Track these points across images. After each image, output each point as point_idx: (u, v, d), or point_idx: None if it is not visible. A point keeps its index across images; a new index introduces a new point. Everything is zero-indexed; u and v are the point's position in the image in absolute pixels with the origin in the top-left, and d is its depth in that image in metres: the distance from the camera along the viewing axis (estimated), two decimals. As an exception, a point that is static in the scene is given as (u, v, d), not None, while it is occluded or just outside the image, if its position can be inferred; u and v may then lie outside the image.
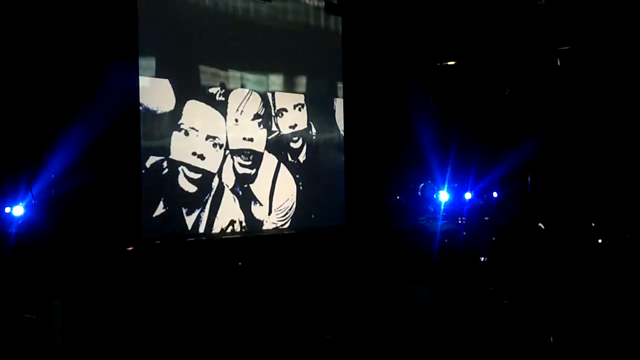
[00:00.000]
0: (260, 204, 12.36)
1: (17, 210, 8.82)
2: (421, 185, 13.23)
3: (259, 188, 12.34)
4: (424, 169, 13.63)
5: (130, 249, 8.47)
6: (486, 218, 12.25)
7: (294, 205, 12.88)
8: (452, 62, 14.58)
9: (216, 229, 11.37)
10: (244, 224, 11.85)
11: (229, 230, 11.55)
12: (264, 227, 12.15)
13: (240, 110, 12.15)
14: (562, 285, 5.08)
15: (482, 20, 13.12)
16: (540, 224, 8.15)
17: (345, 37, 13.75)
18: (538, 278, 5.28)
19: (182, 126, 11.29)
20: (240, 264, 7.26)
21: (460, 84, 14.29)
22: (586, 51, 13.62)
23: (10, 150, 9.11)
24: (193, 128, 11.45)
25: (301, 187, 13.04)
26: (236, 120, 12.09)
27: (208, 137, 11.65)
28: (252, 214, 12.15)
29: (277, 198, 12.64)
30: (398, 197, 13.39)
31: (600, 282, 5.15)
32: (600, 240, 7.27)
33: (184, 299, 5.14)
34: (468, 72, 14.30)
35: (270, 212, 12.47)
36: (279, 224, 12.50)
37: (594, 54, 13.45)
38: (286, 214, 12.77)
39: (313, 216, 13.01)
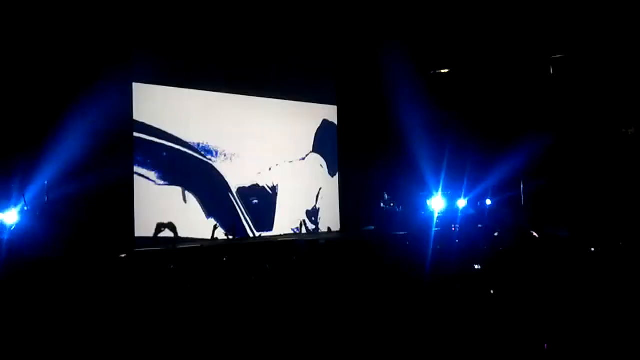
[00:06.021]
0: (258, 210, 12.37)
1: (10, 217, 8.78)
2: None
3: (255, 193, 12.35)
4: (419, 176, 13.64)
5: (123, 256, 8.42)
6: (480, 225, 12.24)
7: (291, 212, 12.89)
8: (446, 70, 14.64)
9: (209, 236, 11.36)
10: (239, 230, 11.85)
11: (223, 237, 11.56)
12: (261, 234, 12.15)
13: (236, 116, 12.16)
14: (556, 293, 5.10)
15: (476, 29, 13.18)
16: (533, 232, 8.15)
17: (340, 45, 13.81)
18: (532, 286, 5.29)
19: (177, 132, 11.30)
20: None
21: (454, 92, 14.34)
22: (579, 59, 13.70)
23: (2, 156, 9.07)
24: (188, 134, 11.46)
25: (297, 193, 13.06)
26: (231, 127, 12.11)
27: (204, 143, 11.65)
28: (250, 219, 12.15)
29: (274, 204, 12.66)
30: (392, 205, 13.40)
31: (593, 290, 5.17)
32: (592, 249, 7.29)
33: (177, 307, 5.12)
34: (462, 80, 14.36)
35: (266, 219, 12.48)
36: (276, 230, 12.51)
37: (587, 62, 13.53)
38: (283, 221, 12.77)
39: (309, 222, 13.01)
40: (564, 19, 12.74)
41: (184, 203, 11.20)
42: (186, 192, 11.29)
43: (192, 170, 11.47)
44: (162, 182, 10.98)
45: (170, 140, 11.17)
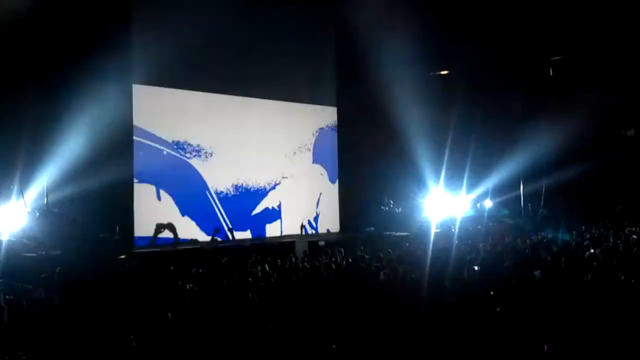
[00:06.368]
0: (255, 212, 12.37)
1: (10, 218, 8.77)
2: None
3: (253, 195, 12.35)
4: (419, 177, 13.63)
5: (122, 257, 8.42)
6: (479, 227, 12.24)
7: (290, 214, 12.88)
8: (445, 72, 14.65)
9: (208, 237, 11.35)
10: (236, 232, 11.84)
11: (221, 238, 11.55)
12: (259, 235, 12.15)
13: (235, 118, 12.14)
14: (556, 293, 5.10)
15: (476, 30, 13.19)
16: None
17: (339, 46, 13.81)
18: (533, 287, 5.30)
19: (176, 134, 11.29)
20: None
21: (454, 93, 14.35)
22: (579, 61, 13.72)
23: (2, 158, 9.08)
24: (187, 136, 11.45)
25: (296, 195, 13.05)
26: (231, 129, 12.09)
27: (202, 146, 11.64)
28: (246, 221, 12.15)
29: (271, 207, 12.65)
30: (391, 206, 13.40)
31: (594, 290, 5.17)
32: (592, 250, 7.30)
33: (177, 308, 5.12)
34: (461, 81, 14.37)
35: (263, 221, 12.48)
36: (275, 232, 12.50)
37: (587, 64, 13.56)
38: (282, 222, 12.76)
39: (308, 224, 13.01)
40: (564, 20, 12.76)
41: (184, 205, 11.20)
42: (187, 196, 11.30)
43: (193, 172, 11.47)
44: (163, 184, 10.99)
45: (170, 143, 11.18)
